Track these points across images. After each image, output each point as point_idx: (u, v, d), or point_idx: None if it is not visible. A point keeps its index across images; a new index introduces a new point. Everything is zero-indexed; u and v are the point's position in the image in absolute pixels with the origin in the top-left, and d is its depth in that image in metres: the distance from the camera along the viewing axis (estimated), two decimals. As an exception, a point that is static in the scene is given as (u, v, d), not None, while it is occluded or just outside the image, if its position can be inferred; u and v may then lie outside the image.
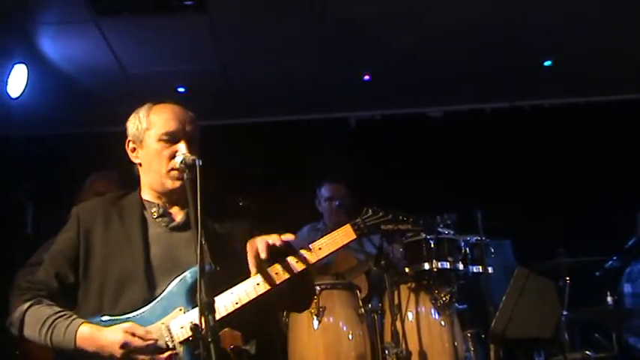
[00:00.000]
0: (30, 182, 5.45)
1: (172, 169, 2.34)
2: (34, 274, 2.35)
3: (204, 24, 4.77)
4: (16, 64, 4.70)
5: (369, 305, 3.96)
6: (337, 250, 2.27)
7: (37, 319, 2.23)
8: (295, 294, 2.35)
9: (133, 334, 2.13)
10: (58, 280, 2.31)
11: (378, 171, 5.78)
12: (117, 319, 2.20)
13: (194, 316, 2.14)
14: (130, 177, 2.52)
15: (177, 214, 2.42)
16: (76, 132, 5.91)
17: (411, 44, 5.15)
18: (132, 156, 2.45)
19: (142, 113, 2.42)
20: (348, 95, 5.94)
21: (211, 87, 5.58)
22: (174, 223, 2.40)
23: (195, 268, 2.17)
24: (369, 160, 5.86)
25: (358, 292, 3.91)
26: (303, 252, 2.22)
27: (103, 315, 2.23)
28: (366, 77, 5.63)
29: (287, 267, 2.21)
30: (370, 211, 2.35)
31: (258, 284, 2.19)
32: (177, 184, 2.34)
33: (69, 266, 2.32)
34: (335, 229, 4.82)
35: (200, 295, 1.86)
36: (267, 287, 2.18)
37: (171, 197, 2.41)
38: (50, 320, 2.21)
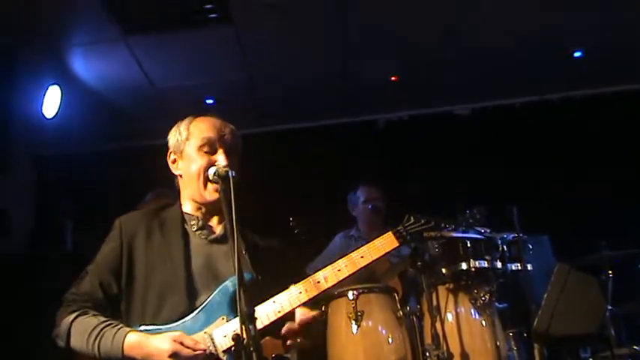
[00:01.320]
0: (68, 201, 5.52)
1: (209, 181, 2.37)
2: (78, 285, 2.37)
3: (230, 35, 4.79)
4: (50, 85, 4.78)
5: (407, 308, 3.90)
6: (379, 258, 2.26)
7: (84, 330, 2.26)
8: None
9: (182, 343, 2.15)
10: (102, 291, 2.34)
11: (407, 171, 5.74)
12: (160, 329, 2.22)
13: (237, 324, 2.13)
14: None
15: (217, 227, 2.46)
16: (110, 148, 5.98)
17: (437, 43, 5.09)
18: (172, 167, 2.50)
19: (183, 125, 2.49)
20: (375, 97, 5.90)
21: (239, 97, 5.60)
22: (213, 236, 2.43)
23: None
24: (398, 160, 5.83)
25: (396, 295, 3.87)
26: (344, 261, 2.23)
27: (147, 324, 2.25)
28: (393, 78, 5.59)
29: (329, 276, 2.22)
30: (412, 218, 2.37)
31: (300, 293, 2.19)
32: (215, 196, 2.37)
33: (112, 277, 2.35)
34: (371, 234, 4.80)
35: (240, 305, 1.86)
36: (310, 296, 2.19)
37: (210, 208, 2.45)
38: (97, 330, 2.23)
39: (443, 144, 5.90)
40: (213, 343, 2.18)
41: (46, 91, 4.77)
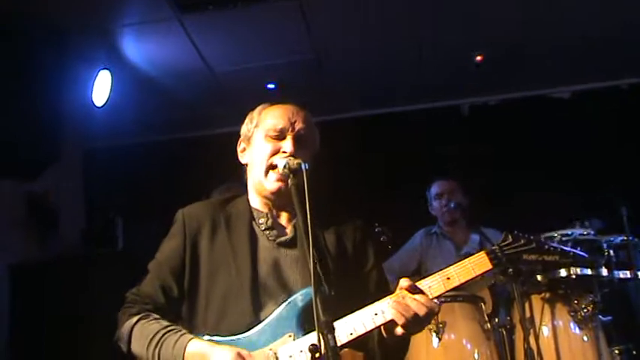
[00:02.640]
0: (119, 196, 5.66)
1: (272, 168, 2.38)
2: (139, 285, 2.43)
3: (295, 11, 4.77)
4: (100, 70, 4.88)
5: (496, 320, 3.86)
6: (469, 281, 2.21)
7: (145, 335, 2.30)
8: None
9: (243, 358, 2.15)
10: (163, 294, 2.39)
11: (495, 161, 5.64)
12: (221, 340, 2.24)
13: (305, 343, 2.15)
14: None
15: (287, 226, 2.47)
16: (164, 139, 6.11)
17: (529, 17, 4.95)
18: (240, 156, 2.56)
19: (256, 111, 2.55)
20: (457, 80, 5.80)
21: (304, 81, 5.60)
22: (282, 239, 2.44)
23: (308, 290, 2.22)
24: (485, 150, 5.72)
25: (482, 304, 3.81)
26: (428, 282, 2.19)
27: (209, 334, 2.28)
28: (478, 58, 5.48)
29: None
30: (510, 237, 2.30)
31: (376, 314, 2.16)
32: (276, 185, 2.38)
33: (174, 278, 2.40)
34: (453, 232, 4.73)
35: (317, 312, 1.85)
36: (387, 319, 2.15)
37: (277, 202, 2.45)
38: (158, 336, 2.28)
39: (537, 131, 5.76)
40: None
41: (95, 77, 4.86)
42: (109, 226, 5.47)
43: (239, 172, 2.59)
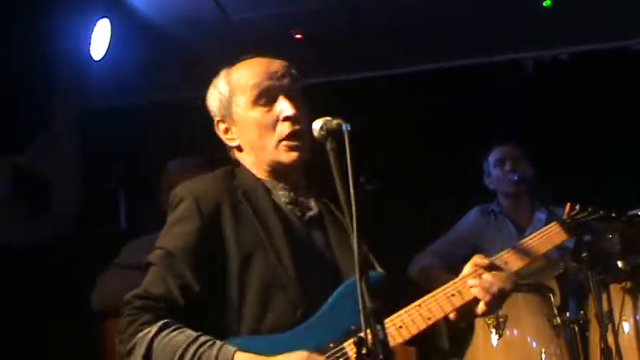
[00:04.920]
0: (120, 165, 5.68)
1: (282, 140, 2.33)
2: (146, 285, 2.28)
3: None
4: (98, 19, 4.87)
5: (566, 314, 3.84)
6: (545, 252, 2.43)
7: (170, 352, 2.13)
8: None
9: None
10: (182, 295, 2.22)
11: (565, 126, 5.59)
12: (267, 340, 2.19)
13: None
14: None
15: (309, 202, 2.45)
16: (173, 98, 6.09)
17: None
18: (226, 139, 2.46)
19: (220, 81, 2.46)
20: (521, 31, 5.73)
21: (335, 31, 5.56)
22: (309, 214, 2.41)
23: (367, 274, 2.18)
24: (552, 113, 5.68)
25: (551, 296, 3.80)
26: (504, 257, 2.36)
27: (251, 335, 2.21)
28: (545, 4, 5.41)
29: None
30: (577, 207, 2.55)
31: (453, 295, 2.26)
32: (294, 155, 2.33)
33: (193, 272, 2.23)
34: (515, 209, 4.77)
35: (363, 302, 1.83)
36: (465, 299, 2.26)
37: (291, 177, 2.41)
38: (190, 351, 2.12)
39: (614, 91, 5.69)
40: (348, 358, 2.16)
41: (94, 27, 4.86)
42: (110, 201, 5.49)
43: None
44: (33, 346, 4.81)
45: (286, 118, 2.32)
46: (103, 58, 5.00)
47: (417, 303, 2.23)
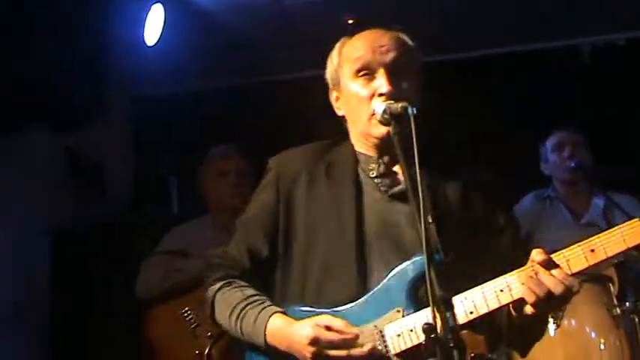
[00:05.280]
0: (173, 151, 5.69)
1: (373, 114, 2.32)
2: (226, 246, 2.50)
3: None
4: (152, 4, 4.86)
5: (626, 304, 3.76)
6: (617, 255, 2.11)
7: (226, 305, 2.38)
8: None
9: (328, 328, 2.14)
10: (250, 257, 2.43)
11: (623, 113, 5.45)
12: (320, 313, 2.22)
13: (416, 321, 2.12)
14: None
15: (400, 175, 2.38)
16: (225, 84, 6.07)
17: None
18: (335, 107, 2.52)
19: (336, 49, 2.48)
20: (575, 15, 5.58)
21: (395, 17, 5.46)
22: (395, 189, 2.36)
23: (420, 258, 2.16)
24: (610, 100, 5.52)
25: (610, 285, 3.72)
26: (569, 253, 2.11)
27: (305, 305, 2.28)
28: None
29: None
30: None
31: (502, 291, 2.10)
32: (384, 130, 2.29)
33: (264, 238, 2.41)
34: (572, 196, 4.64)
35: (431, 288, 1.80)
36: (514, 297, 2.10)
37: (388, 149, 2.37)
38: (240, 307, 2.33)
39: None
40: (384, 341, 2.16)
41: (147, 12, 4.85)
42: (162, 185, 5.51)
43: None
44: (86, 328, 4.87)
45: (381, 95, 2.30)
46: (156, 43, 5.00)
47: (463, 295, 2.11)
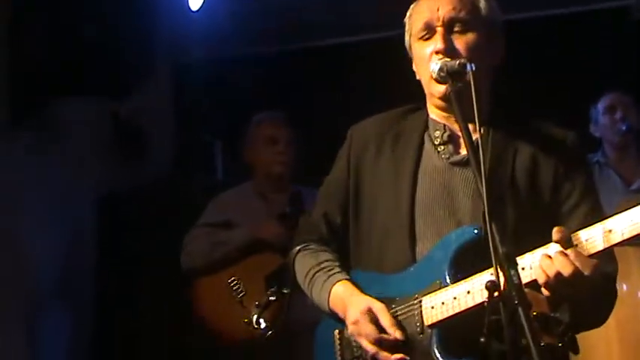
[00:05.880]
0: (218, 117, 5.68)
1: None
2: (311, 210, 2.62)
3: None
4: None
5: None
6: (634, 237, 1.94)
7: (301, 269, 2.49)
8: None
9: (373, 319, 2.19)
10: (326, 223, 2.51)
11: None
12: (374, 279, 2.31)
13: (449, 294, 2.11)
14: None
15: None
16: (271, 50, 6.04)
17: None
18: (415, 71, 2.46)
19: (407, 17, 2.44)
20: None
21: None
22: (457, 156, 2.32)
23: (464, 229, 2.17)
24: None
25: (664, 248, 3.64)
26: (587, 234, 1.97)
27: (367, 270, 2.36)
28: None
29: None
30: None
31: (523, 269, 1.99)
32: (442, 88, 2.25)
33: (337, 205, 2.49)
34: (622, 161, 4.52)
35: (494, 245, 1.75)
36: (532, 277, 2.01)
37: (455, 110, 2.24)
38: (311, 273, 2.43)
39: None
40: (421, 313, 2.18)
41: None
42: (207, 151, 5.49)
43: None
44: (129, 295, 4.89)
45: (437, 52, 2.27)
46: (200, 8, 4.99)
47: (483, 272, 2.04)
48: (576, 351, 2.05)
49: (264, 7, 5.51)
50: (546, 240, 2.02)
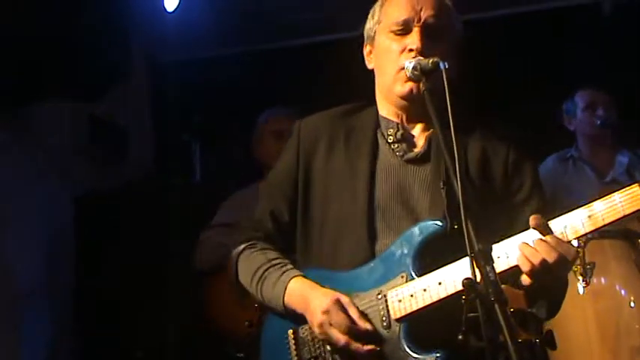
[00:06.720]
0: (195, 117, 5.64)
1: (400, 70, 2.29)
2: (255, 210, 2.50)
3: None
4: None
5: (655, 260, 3.69)
6: (615, 222, 2.01)
7: (248, 268, 2.43)
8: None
9: (343, 309, 2.16)
10: (272, 219, 2.46)
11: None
12: (331, 276, 2.28)
13: (416, 286, 2.11)
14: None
15: (419, 139, 2.38)
16: (246, 50, 5.95)
17: None
18: (367, 61, 2.49)
19: (377, 5, 2.46)
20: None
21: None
22: (411, 154, 2.35)
23: (427, 224, 2.17)
24: (631, 57, 5.37)
25: (639, 241, 3.65)
26: (565, 220, 2.02)
27: (321, 268, 2.32)
28: None
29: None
30: None
31: (499, 257, 2.02)
32: (407, 87, 2.28)
33: (285, 201, 2.44)
34: (596, 156, 4.53)
35: (470, 241, 1.76)
36: (511, 264, 2.04)
37: (410, 110, 2.37)
38: (261, 270, 2.37)
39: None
40: (387, 307, 2.17)
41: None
42: (184, 152, 5.46)
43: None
44: (108, 295, 4.85)
45: (411, 50, 2.28)
46: (176, 9, 4.95)
47: (458, 262, 2.06)
48: (554, 347, 2.06)
49: (240, 7, 5.48)
50: (500, 230, 2.07)
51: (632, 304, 3.48)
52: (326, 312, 2.16)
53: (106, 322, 4.79)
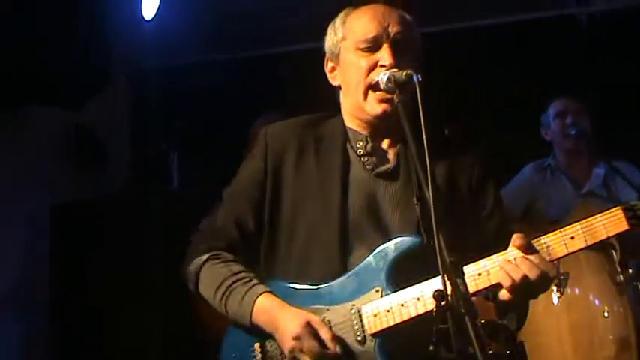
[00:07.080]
0: (173, 126, 5.63)
1: (372, 87, 2.29)
2: (212, 216, 2.43)
3: None
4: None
5: (629, 270, 3.68)
6: (597, 244, 2.09)
7: (213, 280, 2.34)
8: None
9: (315, 332, 2.14)
10: (237, 228, 2.38)
11: (622, 80, 5.33)
12: (301, 290, 2.25)
13: (392, 301, 2.11)
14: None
15: (388, 154, 2.38)
16: (225, 58, 5.94)
17: None
18: (330, 77, 2.47)
19: (338, 21, 2.45)
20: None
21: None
22: (382, 168, 2.35)
23: (402, 239, 2.18)
24: (608, 66, 5.44)
25: (614, 252, 3.66)
26: (548, 240, 2.09)
27: (288, 281, 2.28)
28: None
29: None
30: None
31: (479, 275, 2.07)
32: (381, 108, 2.29)
33: (250, 209, 2.38)
34: (572, 166, 4.57)
35: (441, 255, 1.77)
36: (492, 282, 2.07)
37: (379, 128, 2.37)
38: (227, 283, 2.30)
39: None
40: (361, 321, 2.16)
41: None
42: (162, 160, 5.44)
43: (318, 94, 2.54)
44: (85, 306, 4.81)
45: (382, 66, 2.28)
46: (154, 17, 4.93)
47: (436, 279, 2.00)
48: (524, 358, 2.08)
49: (218, 14, 5.47)
50: (468, 243, 2.09)
51: (606, 314, 3.50)
52: (297, 338, 2.14)
53: (88, 329, 4.75)
